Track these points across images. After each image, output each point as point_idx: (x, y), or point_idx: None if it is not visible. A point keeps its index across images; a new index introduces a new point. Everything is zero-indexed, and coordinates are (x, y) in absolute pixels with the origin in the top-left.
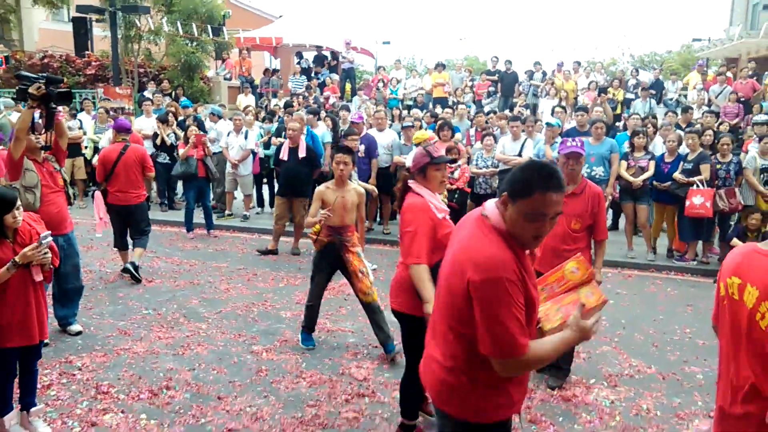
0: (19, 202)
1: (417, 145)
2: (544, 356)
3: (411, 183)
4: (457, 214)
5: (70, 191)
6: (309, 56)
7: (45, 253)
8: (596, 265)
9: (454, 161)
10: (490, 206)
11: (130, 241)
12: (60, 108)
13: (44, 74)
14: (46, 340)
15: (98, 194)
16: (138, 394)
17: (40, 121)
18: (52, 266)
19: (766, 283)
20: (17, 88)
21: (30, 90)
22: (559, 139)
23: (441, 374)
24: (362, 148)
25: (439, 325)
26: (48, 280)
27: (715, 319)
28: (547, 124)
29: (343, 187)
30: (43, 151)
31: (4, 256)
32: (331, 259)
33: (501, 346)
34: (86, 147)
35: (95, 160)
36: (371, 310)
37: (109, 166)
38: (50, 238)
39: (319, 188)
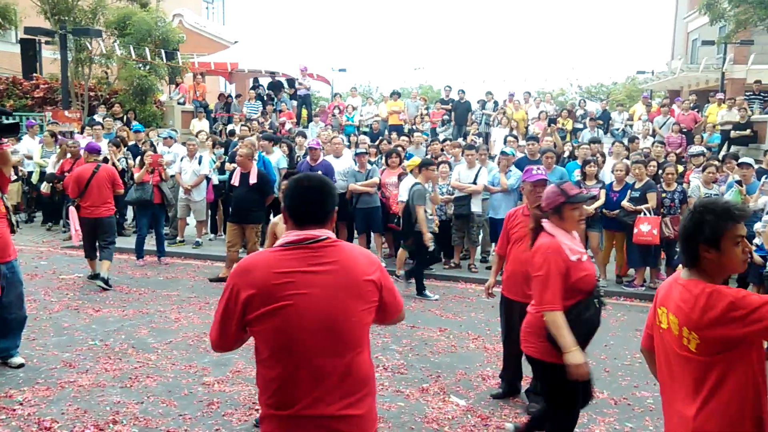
0: None
1: (410, 172)
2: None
3: (545, 223)
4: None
5: (13, 219)
6: (264, 82)
7: None
8: None
9: (594, 198)
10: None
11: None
12: (5, 140)
13: None
14: None
15: (72, 209)
16: (83, 430)
17: None
18: None
19: (679, 309)
20: None
21: None
22: (513, 168)
23: None
24: (319, 173)
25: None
26: None
27: (644, 343)
28: (502, 152)
29: None
30: None
31: None
32: None
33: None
34: (32, 171)
35: (44, 187)
36: None
37: (83, 183)
38: None
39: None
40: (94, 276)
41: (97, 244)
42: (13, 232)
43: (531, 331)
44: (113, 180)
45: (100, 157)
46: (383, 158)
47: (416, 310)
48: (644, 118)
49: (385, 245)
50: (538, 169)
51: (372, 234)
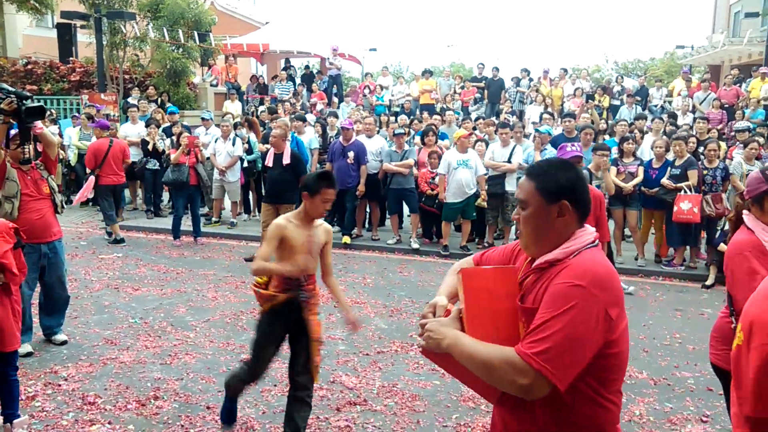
0: None
1: (456, 142)
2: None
3: (745, 215)
4: (435, 219)
5: (58, 199)
6: (296, 63)
7: None
8: None
9: None
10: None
11: None
12: (37, 123)
13: (14, 90)
14: (29, 350)
15: (92, 178)
16: (125, 405)
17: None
18: (5, 280)
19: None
20: None
21: (1, 105)
22: (549, 146)
23: None
24: (351, 154)
25: None
26: (4, 291)
27: None
28: (537, 131)
29: (311, 224)
30: (26, 164)
31: None
32: (285, 324)
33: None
34: (72, 153)
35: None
36: (305, 394)
37: (101, 156)
38: None
39: (279, 222)
40: (119, 240)
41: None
42: (58, 212)
43: (717, 336)
44: (124, 152)
45: (134, 140)
46: (416, 137)
47: None
48: (684, 93)
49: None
50: (573, 145)
51: (407, 215)
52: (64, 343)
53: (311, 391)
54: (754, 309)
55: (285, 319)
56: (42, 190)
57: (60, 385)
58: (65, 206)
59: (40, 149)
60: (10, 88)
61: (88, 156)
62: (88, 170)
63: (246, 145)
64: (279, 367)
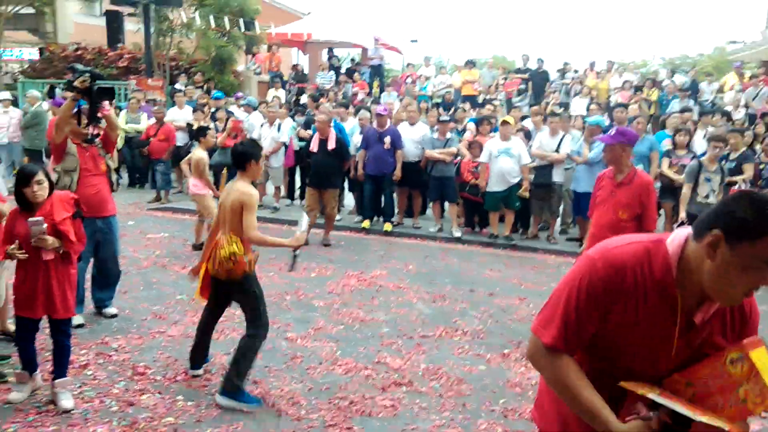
0: (39, 176)
1: (503, 124)
2: (569, 394)
3: None
4: (478, 208)
5: (113, 177)
6: (339, 53)
7: (38, 238)
8: None
9: None
10: (678, 236)
11: None
12: (105, 103)
13: (89, 69)
14: (81, 322)
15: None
16: (174, 376)
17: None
18: (64, 249)
19: None
20: (67, 79)
21: (75, 83)
22: (598, 141)
23: None
24: (388, 140)
25: None
26: (63, 260)
27: None
28: (588, 122)
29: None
30: (90, 143)
31: (22, 229)
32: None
33: (542, 312)
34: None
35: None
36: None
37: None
38: (43, 226)
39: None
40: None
41: None
42: (113, 190)
43: None
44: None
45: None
46: (469, 123)
47: (493, 278)
48: (737, 88)
49: (459, 214)
50: (612, 131)
51: (446, 204)
52: (114, 316)
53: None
54: None
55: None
56: (99, 167)
57: (111, 356)
58: (119, 185)
59: (95, 131)
60: (84, 68)
61: (49, 131)
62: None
63: (299, 131)
64: (323, 345)
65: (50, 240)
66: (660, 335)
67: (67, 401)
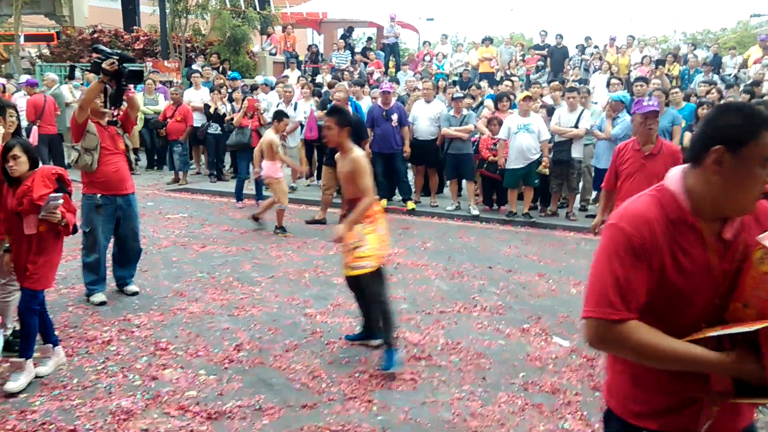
0: (15, 151)
1: (525, 99)
2: (651, 351)
3: None
4: (496, 185)
5: (132, 157)
6: (355, 32)
7: (52, 213)
8: None
9: None
10: (674, 175)
11: None
12: (130, 86)
13: (119, 51)
14: (102, 299)
15: (35, 128)
16: (196, 351)
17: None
18: (67, 223)
19: None
20: (92, 60)
21: (103, 65)
22: (622, 114)
23: None
24: (395, 117)
25: None
26: (66, 234)
27: None
28: (611, 97)
29: None
30: (114, 125)
31: (11, 202)
32: None
33: (590, 297)
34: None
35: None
36: None
37: (39, 109)
38: (59, 201)
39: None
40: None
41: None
42: (132, 168)
43: None
44: (55, 106)
45: (197, 105)
46: (485, 100)
47: (512, 255)
48: (765, 62)
49: (477, 192)
50: (650, 100)
51: (464, 181)
52: (135, 293)
53: None
54: None
55: None
56: (118, 146)
57: (133, 332)
58: (138, 165)
59: (116, 112)
60: (110, 50)
61: (29, 110)
62: (27, 122)
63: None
64: (343, 321)
65: (59, 215)
66: (703, 266)
67: (12, 383)
